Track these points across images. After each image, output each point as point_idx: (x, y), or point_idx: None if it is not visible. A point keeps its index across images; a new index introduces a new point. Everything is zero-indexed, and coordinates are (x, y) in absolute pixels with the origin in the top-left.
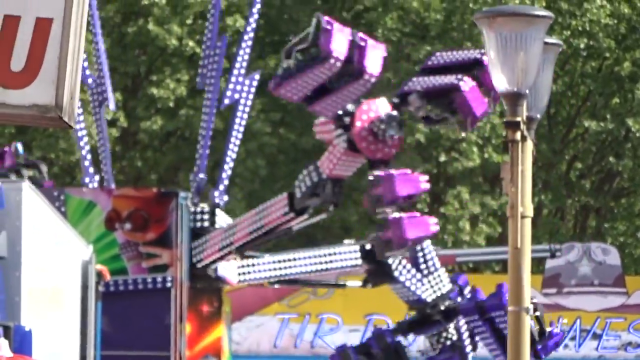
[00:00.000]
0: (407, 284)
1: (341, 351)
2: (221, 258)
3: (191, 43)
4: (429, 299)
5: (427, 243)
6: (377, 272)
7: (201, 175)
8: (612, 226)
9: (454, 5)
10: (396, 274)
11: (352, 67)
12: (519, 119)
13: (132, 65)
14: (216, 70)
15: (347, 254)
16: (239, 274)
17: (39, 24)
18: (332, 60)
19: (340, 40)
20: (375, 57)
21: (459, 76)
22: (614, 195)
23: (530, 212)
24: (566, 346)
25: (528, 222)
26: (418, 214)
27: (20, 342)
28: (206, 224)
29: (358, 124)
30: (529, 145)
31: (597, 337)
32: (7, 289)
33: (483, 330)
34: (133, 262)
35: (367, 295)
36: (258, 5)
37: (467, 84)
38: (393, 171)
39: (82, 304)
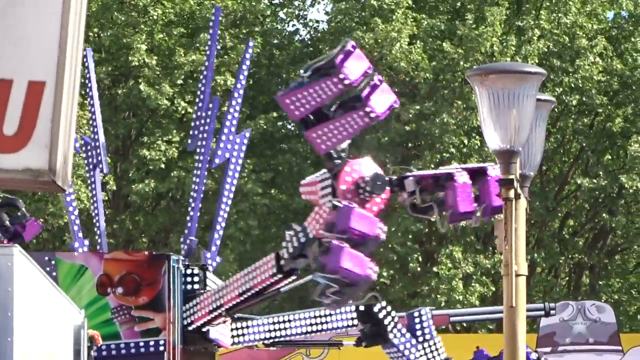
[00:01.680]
0: (401, 347)
1: None
2: (212, 320)
3: (183, 103)
4: None
5: (425, 310)
6: (372, 332)
7: (192, 238)
8: (606, 283)
9: (444, 64)
10: (391, 336)
11: (358, 100)
12: (512, 176)
13: (123, 128)
14: (207, 132)
15: (342, 314)
16: (233, 336)
17: (31, 87)
18: (340, 76)
19: (356, 65)
20: (383, 100)
21: (458, 168)
22: (608, 252)
23: (524, 270)
24: None
25: (523, 280)
26: (363, 256)
27: None
28: (196, 286)
29: (342, 186)
30: (523, 203)
31: None
32: None
33: None
34: (125, 326)
35: (361, 356)
36: (247, 63)
37: (462, 177)
38: (355, 206)
39: None
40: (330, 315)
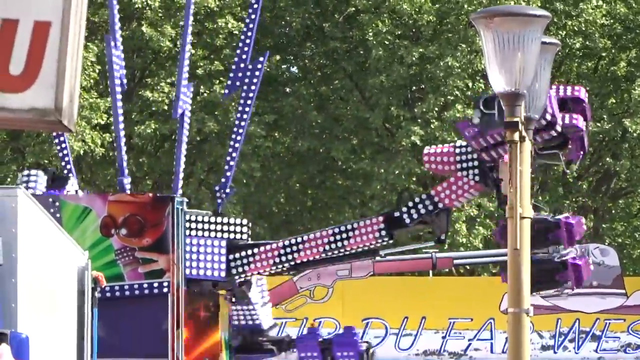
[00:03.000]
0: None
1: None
2: (269, 273)
3: None
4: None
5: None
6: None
7: (227, 190)
8: (610, 227)
9: (448, 7)
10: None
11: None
12: (517, 119)
13: (126, 69)
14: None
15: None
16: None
17: (37, 27)
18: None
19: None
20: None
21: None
22: (612, 196)
23: (529, 212)
24: (565, 348)
25: (527, 223)
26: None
27: (17, 348)
28: (244, 236)
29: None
30: (527, 145)
31: (597, 338)
32: (4, 296)
33: None
34: (129, 267)
35: (364, 298)
36: (258, 4)
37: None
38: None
39: (78, 310)
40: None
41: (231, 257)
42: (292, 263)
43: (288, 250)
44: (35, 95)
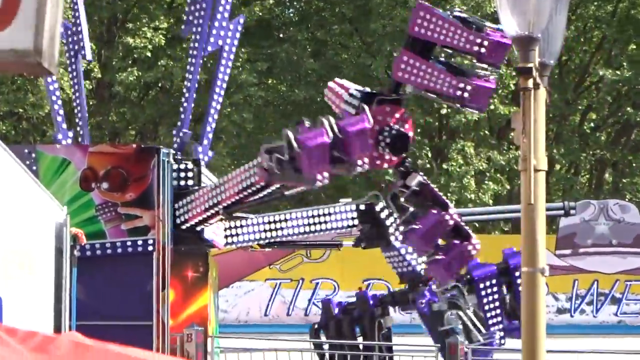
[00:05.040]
0: (402, 251)
1: (325, 303)
2: (208, 219)
3: None
4: (423, 272)
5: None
6: (372, 233)
7: (185, 130)
8: (630, 181)
9: None
10: (392, 238)
11: (463, 73)
12: (531, 65)
13: (107, 12)
14: (203, 17)
15: (342, 213)
16: (227, 236)
17: None
18: (479, 40)
19: (498, 49)
20: (478, 96)
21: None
22: (632, 148)
23: (544, 165)
24: (583, 311)
25: (542, 176)
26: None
27: None
28: (190, 182)
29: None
30: (542, 93)
31: (616, 301)
32: None
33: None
34: (111, 224)
35: (365, 257)
36: None
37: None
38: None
39: (56, 269)
40: (330, 214)
41: (177, 204)
42: (218, 207)
43: (212, 194)
44: (14, 35)
